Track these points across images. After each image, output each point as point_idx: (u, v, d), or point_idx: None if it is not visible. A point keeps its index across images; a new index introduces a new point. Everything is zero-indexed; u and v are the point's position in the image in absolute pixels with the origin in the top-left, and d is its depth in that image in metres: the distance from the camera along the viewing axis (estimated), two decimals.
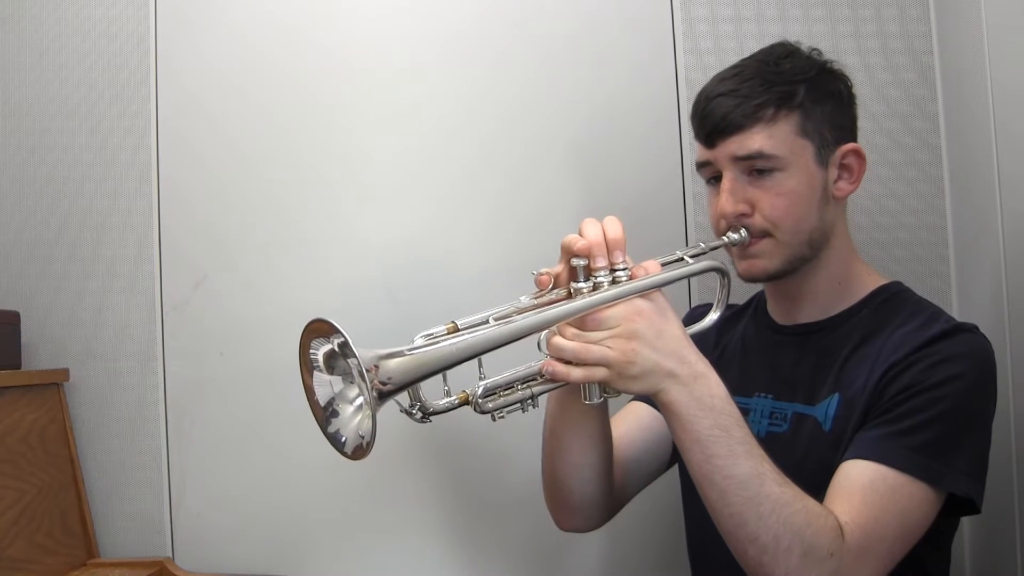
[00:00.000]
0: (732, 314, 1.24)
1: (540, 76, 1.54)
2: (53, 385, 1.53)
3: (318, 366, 0.85)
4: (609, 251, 0.93)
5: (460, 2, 1.56)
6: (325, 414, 0.86)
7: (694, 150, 1.49)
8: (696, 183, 1.51)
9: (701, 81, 1.42)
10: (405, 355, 0.83)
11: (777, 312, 1.17)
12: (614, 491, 1.14)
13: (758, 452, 0.89)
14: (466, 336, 0.86)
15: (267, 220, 1.57)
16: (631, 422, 1.20)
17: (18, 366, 1.51)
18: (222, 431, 1.56)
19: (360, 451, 0.83)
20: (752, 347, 1.19)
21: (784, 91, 1.03)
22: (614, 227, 0.94)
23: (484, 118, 1.55)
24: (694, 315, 1.23)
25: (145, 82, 1.59)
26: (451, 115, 1.55)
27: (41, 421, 1.48)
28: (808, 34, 1.44)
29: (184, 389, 1.57)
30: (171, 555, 1.56)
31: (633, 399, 1.24)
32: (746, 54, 1.12)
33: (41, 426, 1.48)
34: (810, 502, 0.89)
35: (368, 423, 0.82)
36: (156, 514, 1.56)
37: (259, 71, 1.57)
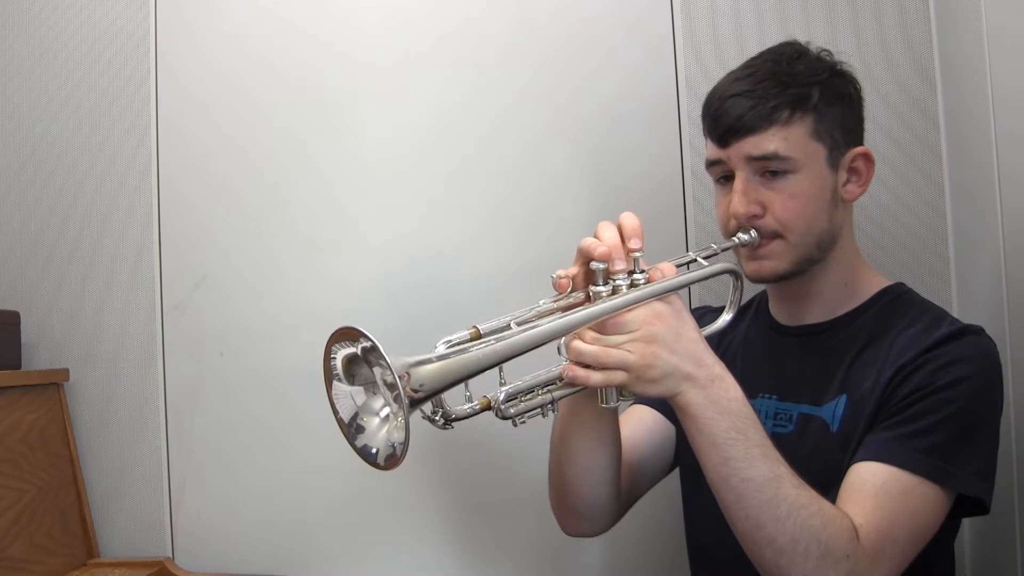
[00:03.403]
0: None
1: (540, 77, 1.54)
2: (53, 385, 1.53)
3: (338, 375, 0.85)
4: (628, 238, 0.93)
5: (460, 3, 1.56)
6: (351, 429, 0.85)
7: (694, 151, 1.50)
8: (696, 184, 1.51)
9: (701, 82, 1.43)
10: (434, 362, 0.83)
11: (781, 313, 1.17)
12: (620, 494, 1.14)
13: (774, 454, 0.90)
14: (493, 342, 0.86)
15: (266, 220, 1.57)
16: (635, 425, 1.20)
17: (18, 366, 1.50)
18: (222, 431, 1.56)
19: (393, 460, 0.83)
20: (755, 348, 1.19)
21: (799, 93, 1.03)
22: (630, 219, 0.94)
23: (484, 119, 1.55)
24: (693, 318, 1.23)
25: (145, 82, 1.59)
26: (451, 117, 1.55)
27: (41, 421, 1.48)
28: (808, 34, 1.43)
29: (184, 389, 1.57)
30: (171, 555, 1.56)
31: (635, 401, 1.24)
32: (746, 55, 1.12)
33: (41, 426, 1.48)
34: (826, 504, 0.89)
35: (399, 433, 0.81)
36: (156, 514, 1.56)
37: (258, 71, 1.57)
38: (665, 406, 1.20)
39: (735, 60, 1.12)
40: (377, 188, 1.56)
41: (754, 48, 1.14)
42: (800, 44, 1.10)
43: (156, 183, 1.58)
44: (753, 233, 1.05)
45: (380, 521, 1.54)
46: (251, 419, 1.55)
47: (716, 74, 1.12)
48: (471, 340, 0.88)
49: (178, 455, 1.57)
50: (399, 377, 0.78)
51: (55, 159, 1.60)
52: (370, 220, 1.56)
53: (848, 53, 1.41)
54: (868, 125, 1.13)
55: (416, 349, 0.84)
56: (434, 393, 0.83)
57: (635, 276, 0.92)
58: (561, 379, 0.92)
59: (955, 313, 1.40)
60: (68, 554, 1.47)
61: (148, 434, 1.57)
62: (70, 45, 1.60)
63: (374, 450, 0.84)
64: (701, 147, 1.12)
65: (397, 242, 1.55)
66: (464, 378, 0.84)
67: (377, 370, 0.83)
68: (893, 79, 1.47)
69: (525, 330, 0.87)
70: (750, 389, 1.11)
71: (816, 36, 1.42)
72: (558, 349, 0.94)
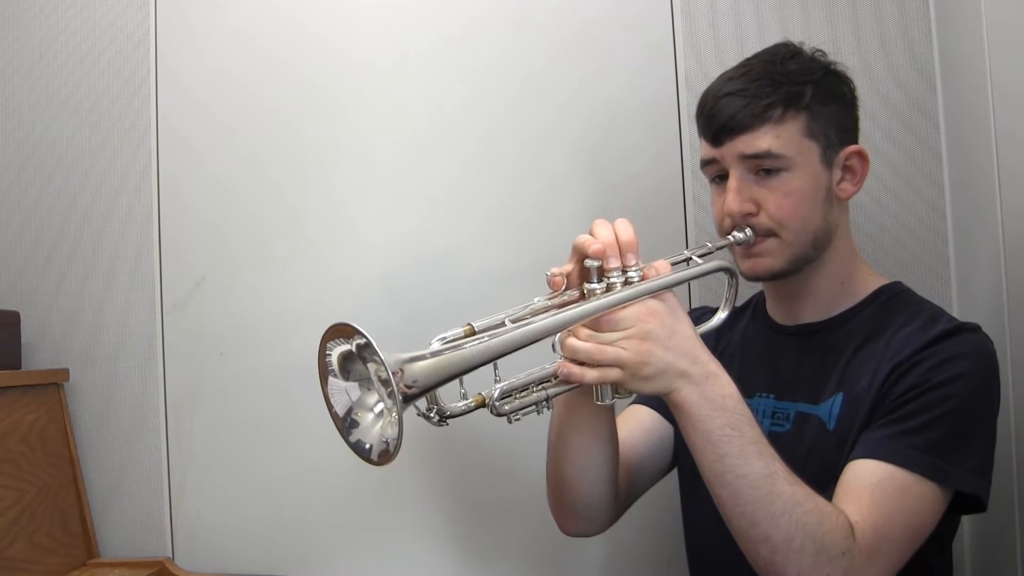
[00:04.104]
0: (731, 314, 1.24)
1: (541, 76, 1.54)
2: (53, 385, 1.53)
3: (333, 371, 0.85)
4: (622, 254, 0.93)
5: (461, 2, 1.56)
6: (345, 424, 0.86)
7: (694, 151, 1.50)
8: (696, 184, 1.51)
9: (701, 82, 1.43)
10: (428, 358, 0.83)
11: (778, 312, 1.17)
12: (619, 494, 1.14)
13: (769, 452, 0.90)
14: (487, 339, 0.86)
15: (267, 220, 1.57)
16: (633, 425, 1.20)
17: (18, 366, 1.51)
18: (222, 431, 1.56)
19: (386, 456, 0.83)
20: (752, 347, 1.19)
21: (792, 92, 1.03)
22: (626, 230, 0.94)
23: (485, 119, 1.55)
24: (691, 318, 1.23)
25: (145, 82, 1.59)
26: (452, 116, 1.55)
27: (41, 421, 1.48)
28: (808, 34, 1.44)
29: (184, 389, 1.57)
30: (171, 555, 1.56)
31: (634, 401, 1.24)
32: (746, 55, 1.12)
33: (41, 426, 1.48)
34: (821, 501, 0.89)
35: (392, 429, 0.82)
36: (156, 514, 1.56)
37: (258, 70, 1.58)
38: (664, 406, 1.20)
39: (735, 60, 1.12)
40: (377, 187, 1.56)
41: (754, 48, 1.14)
42: (794, 45, 1.10)
43: (156, 183, 1.58)
44: (748, 231, 1.05)
45: (380, 520, 1.54)
46: (251, 418, 1.55)
47: (716, 74, 1.12)
48: (465, 337, 0.89)
49: (178, 455, 1.57)
50: (392, 373, 0.78)
51: (55, 159, 1.60)
52: (370, 219, 1.56)
53: (848, 53, 1.42)
54: (868, 125, 1.13)
55: (415, 347, 0.84)
56: (427, 389, 0.83)
57: (629, 273, 0.93)
58: (556, 376, 0.93)
59: (955, 312, 1.41)
60: (68, 554, 1.47)
61: (148, 434, 1.57)
62: (70, 45, 1.60)
63: (368, 445, 0.85)
64: (700, 146, 1.13)
65: (397, 241, 1.55)
66: (458, 374, 0.85)
67: (372, 366, 0.83)
68: (893, 79, 1.47)
69: (519, 327, 0.88)
70: (747, 388, 1.11)
71: (816, 36, 1.43)
72: (552, 346, 0.94)
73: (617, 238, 0.94)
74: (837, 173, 1.07)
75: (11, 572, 1.33)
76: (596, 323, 0.91)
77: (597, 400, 0.96)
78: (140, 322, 1.58)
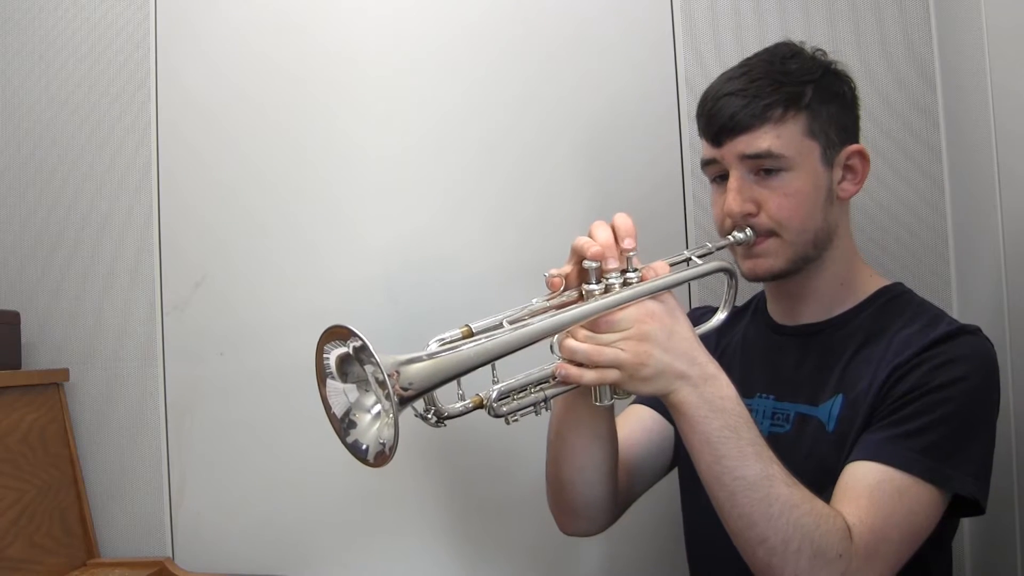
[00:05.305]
0: (731, 315, 1.24)
1: (541, 77, 1.54)
2: (53, 385, 1.53)
3: (331, 373, 0.85)
4: (621, 239, 0.93)
5: (461, 2, 1.56)
6: (343, 425, 0.86)
7: (694, 151, 1.50)
8: (696, 183, 1.51)
9: (701, 81, 1.43)
10: (424, 360, 0.83)
11: (778, 312, 1.17)
12: (618, 493, 1.14)
13: (767, 453, 0.90)
14: (484, 341, 0.86)
15: (267, 220, 1.57)
16: (634, 424, 1.20)
17: (18, 366, 1.51)
18: (222, 431, 1.56)
19: (382, 458, 0.83)
20: (753, 348, 1.19)
21: (792, 92, 1.03)
22: (624, 219, 0.94)
23: (484, 119, 1.55)
24: (692, 317, 1.23)
25: (145, 82, 1.59)
26: (452, 116, 1.55)
27: (41, 421, 1.48)
28: (808, 34, 1.44)
29: (184, 389, 1.57)
30: (171, 555, 1.56)
31: (635, 401, 1.24)
32: (746, 54, 1.12)
33: (41, 426, 1.48)
34: (819, 503, 0.89)
35: (389, 431, 0.82)
36: (156, 514, 1.56)
37: (259, 70, 1.58)
38: (664, 406, 1.20)
39: (735, 59, 1.12)
40: (377, 189, 1.56)
41: (754, 47, 1.14)
42: (795, 44, 1.10)
43: (156, 183, 1.58)
44: (748, 231, 1.05)
45: (380, 521, 1.54)
46: (251, 419, 1.55)
47: (716, 73, 1.12)
48: (463, 338, 0.89)
49: (178, 455, 1.57)
50: (388, 375, 0.78)
51: (55, 159, 1.60)
52: (371, 220, 1.55)
53: (848, 53, 1.42)
54: (868, 125, 1.13)
55: (414, 348, 0.84)
56: (424, 391, 0.83)
57: (628, 275, 0.93)
58: (554, 377, 0.93)
59: (955, 313, 1.41)
60: (68, 554, 1.47)
61: (148, 434, 1.57)
62: (70, 45, 1.60)
63: (364, 447, 0.85)
64: (700, 146, 1.13)
65: (398, 242, 1.55)
66: (454, 376, 0.85)
67: (369, 368, 0.83)
68: (893, 79, 1.47)
69: (517, 328, 0.88)
70: (748, 388, 1.11)
71: (816, 36, 1.43)
72: (551, 347, 0.94)
73: (615, 230, 0.94)
74: (838, 173, 1.07)
75: (11, 572, 1.33)
76: (594, 324, 0.90)
77: (595, 401, 0.96)
78: (140, 322, 1.58)
